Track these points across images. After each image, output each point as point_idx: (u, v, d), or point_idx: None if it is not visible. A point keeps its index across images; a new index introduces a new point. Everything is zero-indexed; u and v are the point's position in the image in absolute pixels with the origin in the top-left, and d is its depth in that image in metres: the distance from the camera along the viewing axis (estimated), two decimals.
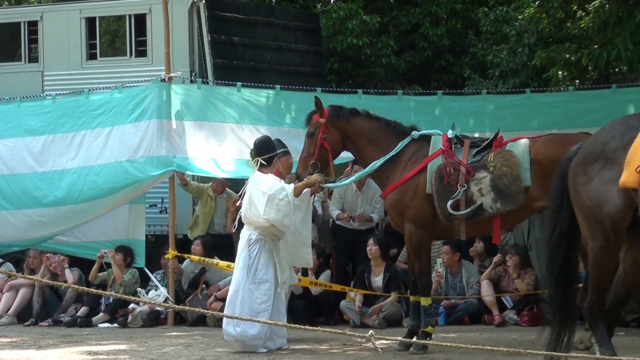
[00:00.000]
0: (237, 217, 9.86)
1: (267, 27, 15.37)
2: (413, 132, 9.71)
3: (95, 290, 9.44)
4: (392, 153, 9.59)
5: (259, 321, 8.83)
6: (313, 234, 12.08)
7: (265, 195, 9.29)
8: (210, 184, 12.86)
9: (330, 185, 10.28)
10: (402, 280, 11.73)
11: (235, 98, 12.41)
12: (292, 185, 9.43)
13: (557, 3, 13.72)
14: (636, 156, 7.32)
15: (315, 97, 10.07)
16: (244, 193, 9.62)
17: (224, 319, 9.57)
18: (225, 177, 12.68)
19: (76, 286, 9.52)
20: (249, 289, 9.39)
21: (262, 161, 9.63)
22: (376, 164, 9.66)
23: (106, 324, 12.18)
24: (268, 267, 9.41)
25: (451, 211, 9.18)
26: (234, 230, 10.99)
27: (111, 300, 12.19)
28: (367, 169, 9.82)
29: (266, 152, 9.68)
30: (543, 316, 11.61)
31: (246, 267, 9.43)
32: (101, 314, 12.28)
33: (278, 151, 9.72)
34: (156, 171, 12.06)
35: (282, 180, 9.64)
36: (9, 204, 12.67)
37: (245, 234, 9.56)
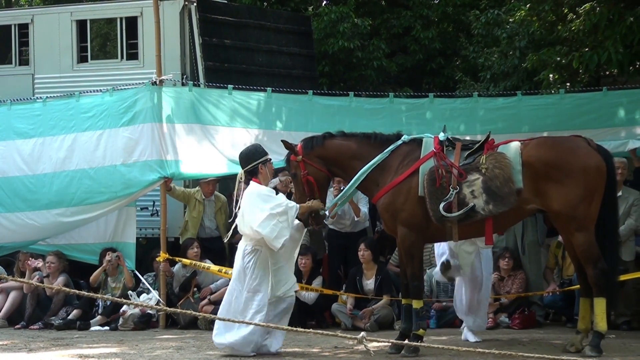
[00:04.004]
0: (233, 227, 9.77)
1: (258, 30, 15.37)
2: (404, 137, 9.68)
3: (85, 293, 9.42)
4: (379, 157, 9.52)
5: (250, 323, 8.79)
6: (305, 240, 12.10)
7: (265, 211, 9.19)
8: (197, 188, 12.83)
9: (335, 209, 10.40)
10: (394, 283, 11.73)
11: (226, 101, 12.41)
12: (297, 206, 9.37)
13: (548, 6, 13.75)
14: None
15: (282, 140, 9.95)
16: (239, 204, 9.54)
17: (214, 329, 9.52)
18: (217, 177, 12.66)
19: (67, 289, 9.42)
20: (244, 297, 9.34)
21: (247, 173, 9.55)
22: (363, 171, 9.54)
23: (99, 327, 12.12)
24: (263, 278, 9.34)
25: (444, 213, 9.17)
26: (226, 240, 11.09)
27: (109, 302, 12.16)
28: (355, 178, 9.58)
29: (248, 163, 9.57)
30: (535, 318, 11.64)
31: (241, 277, 9.40)
32: (98, 317, 12.25)
33: (259, 160, 9.55)
34: (150, 176, 12.04)
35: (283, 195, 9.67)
36: (2, 206, 12.64)
37: (241, 245, 9.54)
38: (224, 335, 9.40)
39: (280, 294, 9.37)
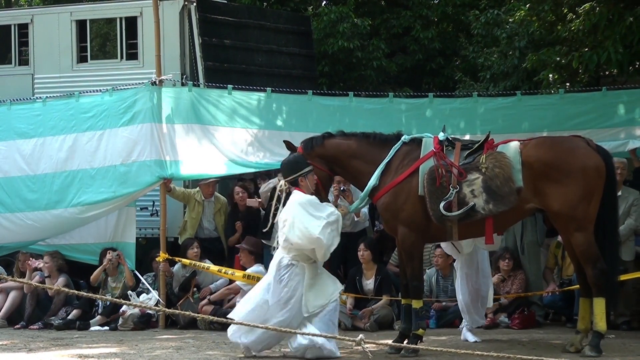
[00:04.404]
0: (278, 237, 9.46)
1: (258, 30, 15.37)
2: (404, 137, 9.69)
3: (85, 293, 9.42)
4: (386, 160, 9.54)
5: (257, 326, 8.70)
6: None
7: (321, 219, 9.06)
8: (197, 188, 12.83)
9: (352, 209, 10.33)
10: (394, 283, 11.73)
11: (226, 101, 12.41)
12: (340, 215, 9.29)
13: (547, 6, 13.75)
14: None
15: (285, 141, 9.97)
16: (277, 212, 9.42)
17: (233, 329, 9.29)
18: (217, 178, 12.68)
19: (66, 289, 9.43)
20: (271, 308, 9.13)
21: (289, 183, 9.43)
22: (376, 173, 9.50)
23: (99, 327, 12.12)
24: (295, 291, 9.16)
25: (444, 212, 9.17)
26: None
27: (108, 302, 12.15)
28: (371, 181, 9.51)
29: (290, 174, 9.41)
30: (534, 319, 11.64)
31: (273, 289, 9.17)
32: (98, 317, 12.25)
33: (301, 172, 9.37)
34: (150, 176, 12.04)
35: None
36: (2, 207, 12.64)
37: (278, 256, 9.30)
38: (247, 335, 9.21)
39: (314, 311, 9.14)
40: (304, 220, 9.08)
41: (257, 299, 9.30)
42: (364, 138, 9.79)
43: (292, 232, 9.11)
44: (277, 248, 9.47)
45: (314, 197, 9.29)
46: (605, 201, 9.18)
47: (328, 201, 9.76)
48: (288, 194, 12.12)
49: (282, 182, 9.53)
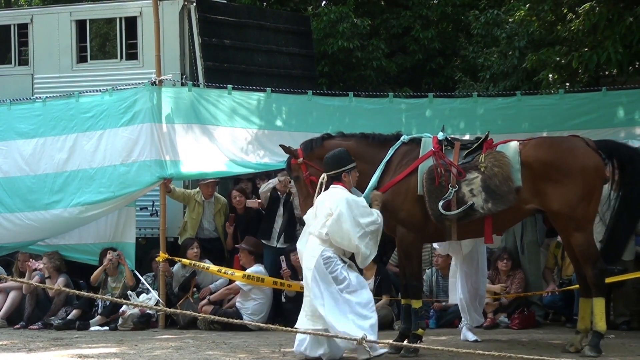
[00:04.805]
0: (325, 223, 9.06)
1: (258, 30, 15.37)
2: (403, 137, 9.69)
3: (85, 293, 9.41)
4: (385, 159, 9.55)
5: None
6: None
7: (362, 227, 8.90)
8: (197, 189, 12.83)
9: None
10: (394, 283, 11.73)
11: (226, 101, 12.41)
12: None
13: (547, 6, 13.76)
14: None
15: (281, 145, 9.94)
16: (315, 204, 9.19)
17: (303, 343, 8.95)
18: (217, 179, 12.68)
19: (67, 289, 9.44)
20: (344, 299, 8.87)
21: (330, 178, 9.21)
22: (377, 173, 9.50)
23: (99, 327, 12.12)
24: (350, 274, 8.96)
25: (443, 212, 9.17)
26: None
27: (108, 302, 12.16)
28: (372, 181, 9.48)
29: (333, 168, 9.23)
30: (534, 319, 11.64)
31: (333, 281, 8.89)
32: (98, 317, 12.25)
33: (345, 167, 9.24)
34: (150, 176, 12.04)
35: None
36: (2, 207, 12.64)
37: (316, 249, 8.98)
38: (317, 349, 8.91)
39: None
40: (349, 222, 8.88)
41: (317, 297, 8.89)
42: (363, 139, 9.79)
43: (339, 230, 8.91)
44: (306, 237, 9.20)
45: (361, 198, 9.14)
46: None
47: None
48: (287, 195, 12.23)
49: (324, 175, 9.27)
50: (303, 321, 9.03)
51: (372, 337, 8.62)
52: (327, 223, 8.95)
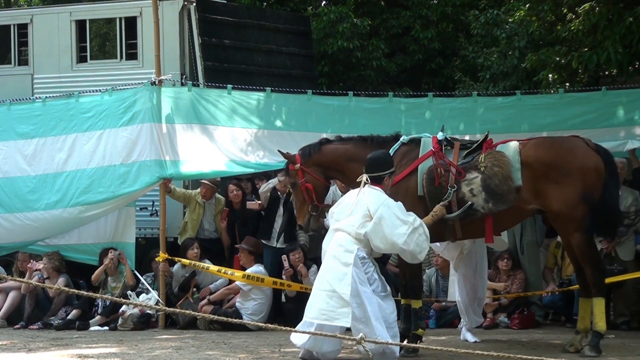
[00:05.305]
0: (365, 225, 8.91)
1: (257, 30, 15.37)
2: (403, 137, 9.69)
3: (85, 293, 9.39)
4: None
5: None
6: (304, 239, 12.09)
7: (407, 225, 8.77)
8: (198, 190, 12.83)
9: None
10: (394, 283, 11.71)
11: (225, 101, 12.41)
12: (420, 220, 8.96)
13: (547, 6, 13.75)
14: None
15: (279, 150, 9.98)
16: (343, 202, 9.11)
17: (312, 343, 8.96)
18: (217, 182, 12.68)
19: (67, 289, 9.41)
20: (376, 302, 8.83)
21: (372, 179, 9.04)
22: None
23: (99, 327, 12.12)
24: (380, 278, 8.94)
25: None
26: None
27: (108, 302, 12.16)
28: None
29: (376, 170, 9.10)
30: (534, 319, 11.65)
31: (367, 283, 8.83)
32: (98, 317, 12.25)
33: (388, 171, 9.15)
34: (149, 176, 12.04)
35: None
36: (2, 207, 12.64)
37: (351, 246, 8.81)
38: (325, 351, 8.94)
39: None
40: (390, 225, 8.75)
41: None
42: (361, 141, 9.79)
43: (375, 233, 8.78)
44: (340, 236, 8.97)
45: (400, 202, 8.97)
46: (606, 197, 9.15)
47: (317, 210, 9.71)
48: (287, 195, 12.21)
49: (365, 176, 9.10)
50: (315, 315, 8.86)
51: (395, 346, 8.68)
52: (368, 224, 8.78)
